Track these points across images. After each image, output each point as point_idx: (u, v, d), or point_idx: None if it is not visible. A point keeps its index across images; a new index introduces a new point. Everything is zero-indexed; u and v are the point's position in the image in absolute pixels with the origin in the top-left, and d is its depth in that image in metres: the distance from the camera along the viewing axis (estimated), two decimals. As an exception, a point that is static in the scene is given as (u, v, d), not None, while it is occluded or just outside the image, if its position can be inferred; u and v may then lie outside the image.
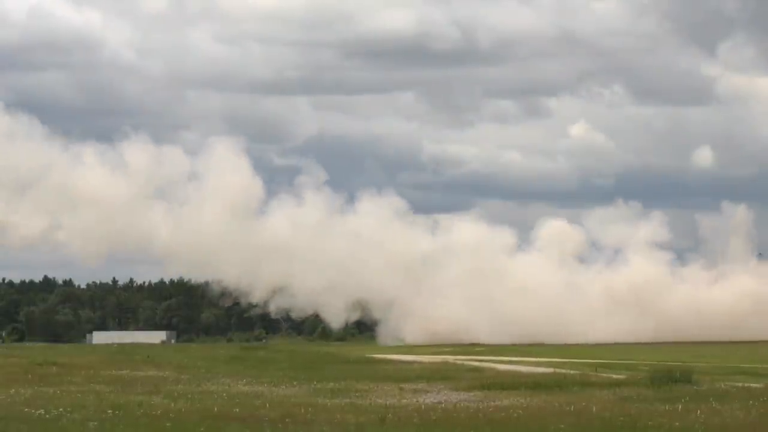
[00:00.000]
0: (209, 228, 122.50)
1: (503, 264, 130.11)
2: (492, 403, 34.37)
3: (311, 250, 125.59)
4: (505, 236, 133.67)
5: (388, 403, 34.40)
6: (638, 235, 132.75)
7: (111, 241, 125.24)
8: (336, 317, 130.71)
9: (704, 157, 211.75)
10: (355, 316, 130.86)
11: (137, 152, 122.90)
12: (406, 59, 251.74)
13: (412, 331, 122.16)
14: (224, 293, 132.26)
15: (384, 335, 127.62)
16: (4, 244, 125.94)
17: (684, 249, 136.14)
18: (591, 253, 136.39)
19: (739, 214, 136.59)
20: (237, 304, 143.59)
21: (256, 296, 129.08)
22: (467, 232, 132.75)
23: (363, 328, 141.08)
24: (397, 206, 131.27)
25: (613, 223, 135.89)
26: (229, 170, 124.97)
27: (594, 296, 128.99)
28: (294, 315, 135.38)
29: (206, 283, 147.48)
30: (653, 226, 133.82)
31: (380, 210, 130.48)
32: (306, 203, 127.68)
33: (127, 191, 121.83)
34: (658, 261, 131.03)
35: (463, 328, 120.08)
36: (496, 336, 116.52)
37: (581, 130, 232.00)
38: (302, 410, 31.34)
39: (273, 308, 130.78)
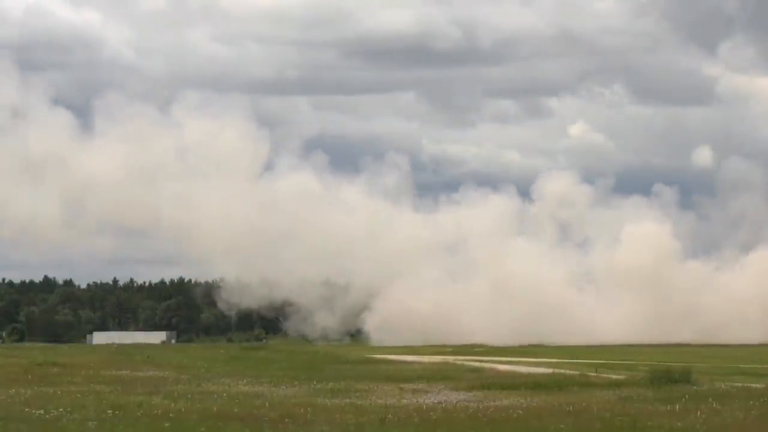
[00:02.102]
0: (205, 202, 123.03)
1: (499, 252, 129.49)
2: (492, 403, 34.36)
3: (304, 237, 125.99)
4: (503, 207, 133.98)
5: (388, 403, 34.40)
6: (639, 221, 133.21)
7: (118, 223, 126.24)
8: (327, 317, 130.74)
9: (704, 156, 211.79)
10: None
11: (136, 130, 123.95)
12: (406, 59, 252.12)
13: (389, 329, 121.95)
14: (223, 291, 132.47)
15: (366, 334, 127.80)
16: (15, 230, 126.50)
17: (685, 241, 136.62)
18: (591, 236, 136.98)
19: (737, 209, 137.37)
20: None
21: (254, 292, 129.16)
22: (458, 219, 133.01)
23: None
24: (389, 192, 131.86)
25: (614, 213, 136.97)
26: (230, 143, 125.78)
27: (596, 281, 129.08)
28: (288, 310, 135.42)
29: (206, 284, 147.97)
30: (654, 214, 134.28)
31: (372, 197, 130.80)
32: (301, 189, 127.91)
33: (132, 170, 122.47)
34: (660, 247, 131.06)
35: (457, 328, 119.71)
36: (495, 336, 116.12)
37: (581, 129, 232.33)
38: (302, 410, 31.34)
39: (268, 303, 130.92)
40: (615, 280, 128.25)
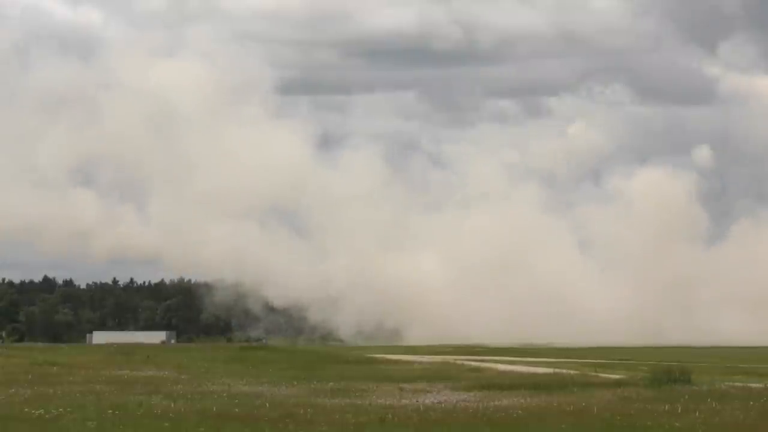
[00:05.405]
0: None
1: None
2: (492, 403, 34.33)
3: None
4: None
5: (387, 403, 34.37)
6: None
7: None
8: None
9: (704, 156, 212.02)
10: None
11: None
12: (406, 59, 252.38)
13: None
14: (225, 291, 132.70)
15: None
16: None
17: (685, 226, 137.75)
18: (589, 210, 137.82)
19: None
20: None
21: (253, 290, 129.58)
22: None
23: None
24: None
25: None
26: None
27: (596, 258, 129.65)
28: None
29: (206, 284, 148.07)
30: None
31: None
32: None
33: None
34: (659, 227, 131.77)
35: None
36: (494, 332, 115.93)
37: (581, 129, 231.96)
38: (302, 410, 31.32)
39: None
40: (615, 255, 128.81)
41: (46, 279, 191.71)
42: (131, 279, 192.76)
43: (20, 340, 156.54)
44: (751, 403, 33.52)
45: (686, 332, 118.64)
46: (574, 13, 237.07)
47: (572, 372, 50.07)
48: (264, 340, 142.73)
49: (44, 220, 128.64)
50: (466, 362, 62.16)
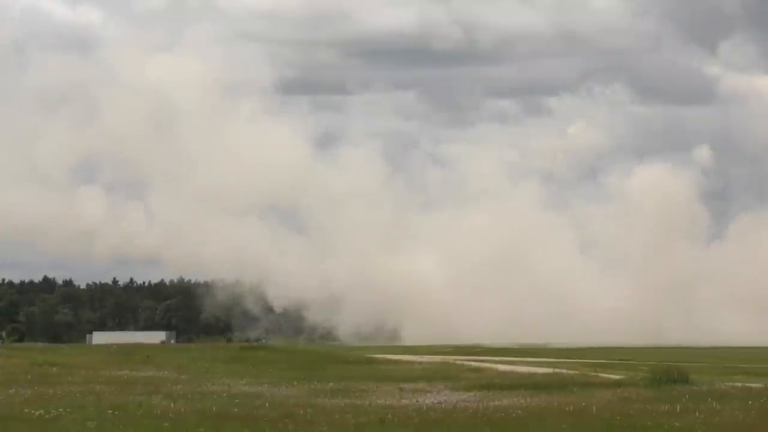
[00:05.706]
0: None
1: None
2: (492, 403, 34.34)
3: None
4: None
5: (387, 403, 34.38)
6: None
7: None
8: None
9: (704, 155, 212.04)
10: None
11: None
12: (406, 58, 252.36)
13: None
14: (223, 291, 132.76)
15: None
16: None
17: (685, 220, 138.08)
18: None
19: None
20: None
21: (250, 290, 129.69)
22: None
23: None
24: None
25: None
26: None
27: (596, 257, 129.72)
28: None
29: (205, 284, 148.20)
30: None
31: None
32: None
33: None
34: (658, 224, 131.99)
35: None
36: (494, 331, 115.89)
37: (581, 129, 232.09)
38: (302, 410, 31.33)
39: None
40: (615, 254, 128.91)
41: (46, 279, 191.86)
42: (131, 279, 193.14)
43: (20, 340, 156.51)
44: (751, 403, 33.53)
45: (686, 332, 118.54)
46: (574, 13, 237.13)
47: (572, 372, 50.08)
48: (264, 340, 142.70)
49: (44, 219, 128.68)
50: (466, 362, 62.15)
